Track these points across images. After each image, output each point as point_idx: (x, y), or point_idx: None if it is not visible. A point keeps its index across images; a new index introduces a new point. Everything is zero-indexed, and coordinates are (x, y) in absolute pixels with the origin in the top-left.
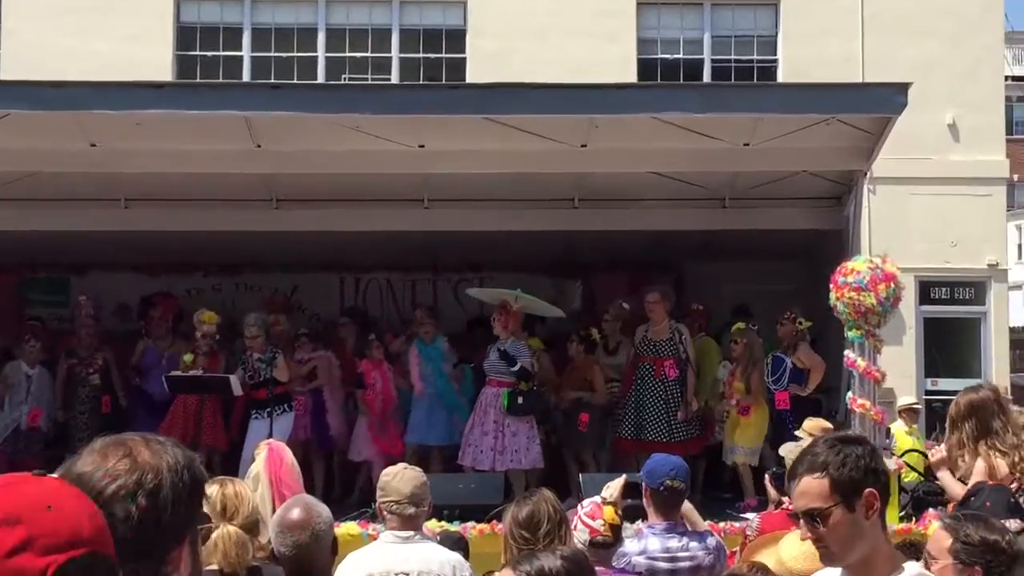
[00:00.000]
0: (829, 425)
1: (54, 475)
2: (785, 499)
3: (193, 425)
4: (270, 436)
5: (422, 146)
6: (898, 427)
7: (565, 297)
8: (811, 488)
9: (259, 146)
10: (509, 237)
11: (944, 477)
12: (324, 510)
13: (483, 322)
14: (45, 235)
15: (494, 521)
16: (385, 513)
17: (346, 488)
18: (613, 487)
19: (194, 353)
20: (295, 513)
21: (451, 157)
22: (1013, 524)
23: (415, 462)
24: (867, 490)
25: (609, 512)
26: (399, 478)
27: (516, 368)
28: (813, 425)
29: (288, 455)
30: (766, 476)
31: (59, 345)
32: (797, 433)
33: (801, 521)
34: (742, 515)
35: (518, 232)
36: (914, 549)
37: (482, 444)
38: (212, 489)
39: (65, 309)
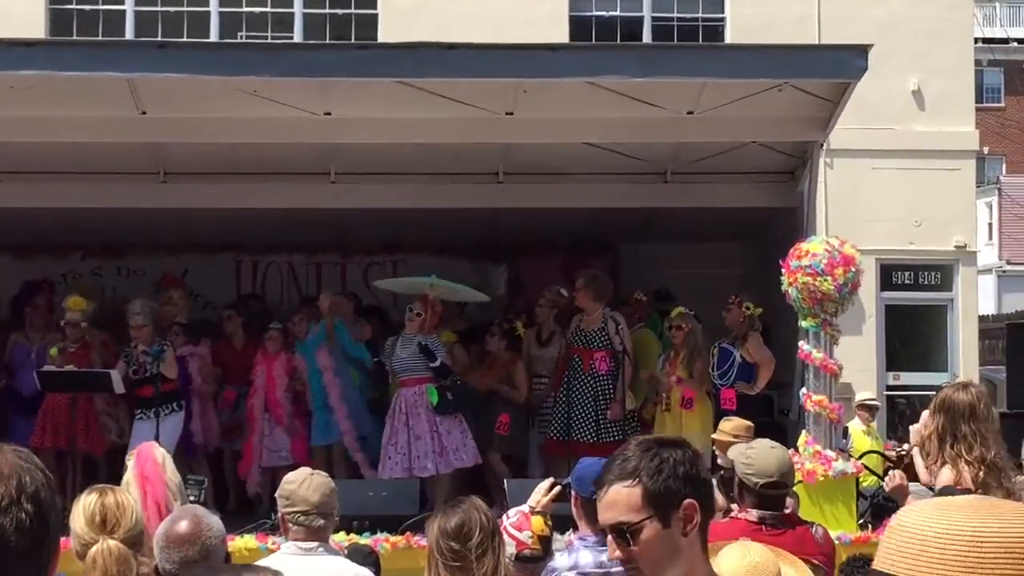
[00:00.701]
0: (748, 424)
1: None
2: (734, 506)
3: (66, 429)
4: (156, 439)
5: (328, 113)
6: (855, 426)
7: (489, 283)
8: (620, 498)
9: (144, 112)
10: (426, 216)
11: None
12: (215, 522)
13: (379, 312)
14: None
15: (408, 533)
16: (289, 524)
17: (246, 497)
18: (540, 494)
19: (61, 345)
20: (182, 525)
21: (361, 125)
22: None
23: (322, 466)
24: (686, 501)
25: (537, 523)
26: (305, 485)
27: (437, 364)
28: (733, 426)
29: (159, 458)
30: (713, 480)
31: None
32: (714, 436)
33: (608, 538)
34: None
35: (436, 210)
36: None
37: (417, 450)
38: (90, 499)
39: None
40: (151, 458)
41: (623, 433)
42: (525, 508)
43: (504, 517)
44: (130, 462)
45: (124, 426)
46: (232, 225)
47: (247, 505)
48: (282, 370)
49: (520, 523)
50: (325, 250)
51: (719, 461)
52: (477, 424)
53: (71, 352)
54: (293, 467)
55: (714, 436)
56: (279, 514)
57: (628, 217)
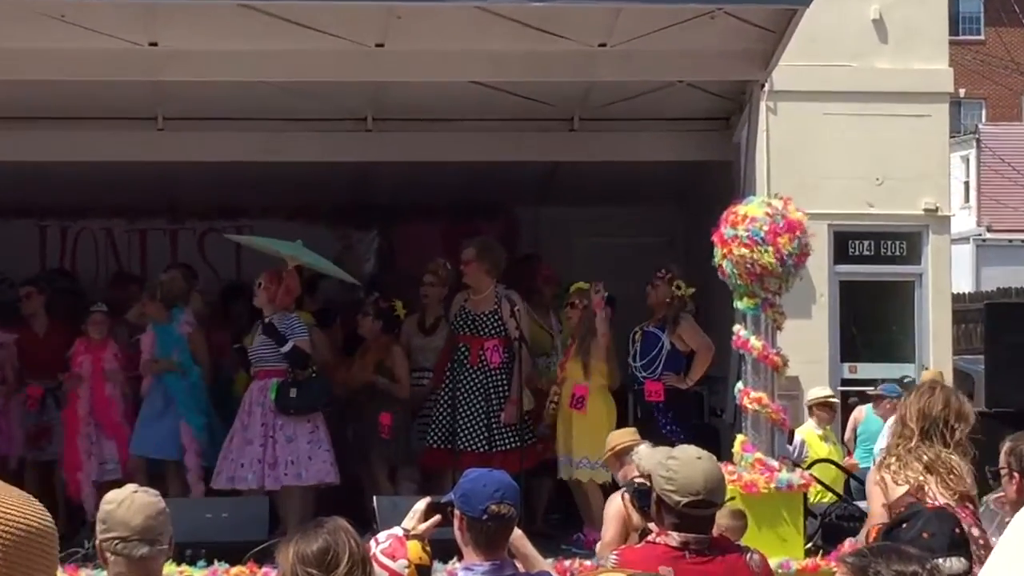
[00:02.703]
0: (699, 452)
1: None
2: (651, 525)
3: None
4: None
5: (154, 44)
6: (808, 429)
7: (354, 254)
8: None
9: None
10: (276, 171)
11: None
12: None
13: (244, 291)
14: None
15: (252, 563)
16: (107, 554)
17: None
18: (417, 515)
19: None
20: None
21: (194, 59)
22: (953, 564)
23: (144, 483)
24: None
25: (414, 549)
26: (126, 505)
27: (286, 349)
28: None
29: None
30: (622, 496)
31: None
32: (604, 460)
33: None
34: (589, 550)
35: (289, 164)
36: None
37: (243, 456)
38: None
39: None
40: None
41: (519, 440)
42: (399, 531)
43: (373, 543)
44: None
45: None
46: (34, 183)
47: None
48: (113, 362)
49: (393, 550)
50: (151, 214)
51: (616, 478)
52: (360, 427)
53: None
54: (123, 483)
55: (607, 455)
56: (94, 542)
57: (526, 173)
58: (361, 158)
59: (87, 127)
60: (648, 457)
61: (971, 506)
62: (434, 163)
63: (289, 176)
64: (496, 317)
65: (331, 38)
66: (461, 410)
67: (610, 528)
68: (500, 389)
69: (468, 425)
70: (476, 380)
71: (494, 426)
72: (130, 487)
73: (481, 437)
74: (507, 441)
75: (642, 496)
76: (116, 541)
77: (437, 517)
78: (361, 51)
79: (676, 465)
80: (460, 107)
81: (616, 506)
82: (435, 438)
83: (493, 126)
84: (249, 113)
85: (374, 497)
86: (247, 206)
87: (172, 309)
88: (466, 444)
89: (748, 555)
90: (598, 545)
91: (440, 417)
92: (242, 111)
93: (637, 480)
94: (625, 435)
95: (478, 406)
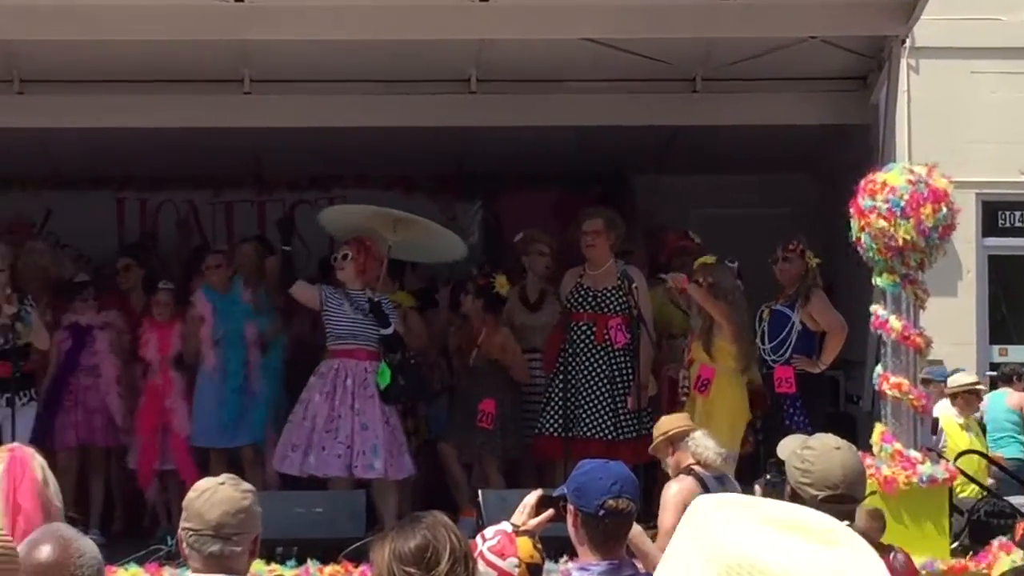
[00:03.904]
0: (837, 442)
1: None
2: None
3: None
4: (12, 436)
5: (240, 0)
6: (947, 416)
7: (458, 227)
8: None
9: None
10: (373, 137)
11: None
12: (87, 546)
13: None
14: None
15: (346, 562)
16: (184, 546)
17: (134, 513)
18: (527, 509)
19: None
20: (44, 551)
21: (284, 17)
22: None
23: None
24: None
25: (525, 546)
26: (205, 497)
27: (388, 331)
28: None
29: (37, 465)
30: (756, 488)
31: None
32: (654, 444)
33: None
34: None
35: (386, 129)
36: None
37: (364, 442)
38: None
39: None
40: (28, 474)
41: (638, 429)
42: (507, 527)
43: (479, 539)
44: None
45: None
46: (111, 152)
47: (136, 525)
48: (177, 344)
49: (502, 547)
50: (237, 184)
51: (670, 472)
52: (463, 415)
53: None
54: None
55: (657, 439)
56: (177, 534)
57: (643, 139)
58: (464, 123)
59: (167, 90)
60: (782, 450)
61: None
62: (542, 127)
63: (386, 143)
64: (620, 293)
65: None
66: (583, 394)
67: (670, 516)
68: (624, 372)
69: (591, 410)
70: (599, 361)
71: (621, 411)
72: (220, 478)
73: (606, 424)
74: (630, 429)
75: (771, 492)
76: (190, 533)
77: (549, 512)
78: (464, 6)
79: (812, 456)
80: (571, 67)
81: (676, 491)
82: (548, 425)
83: (606, 87)
84: (342, 75)
85: (479, 491)
86: (340, 176)
87: (232, 279)
88: (588, 431)
89: (892, 555)
90: (660, 533)
91: (554, 402)
92: (335, 73)
93: (768, 476)
94: (679, 420)
95: (603, 390)
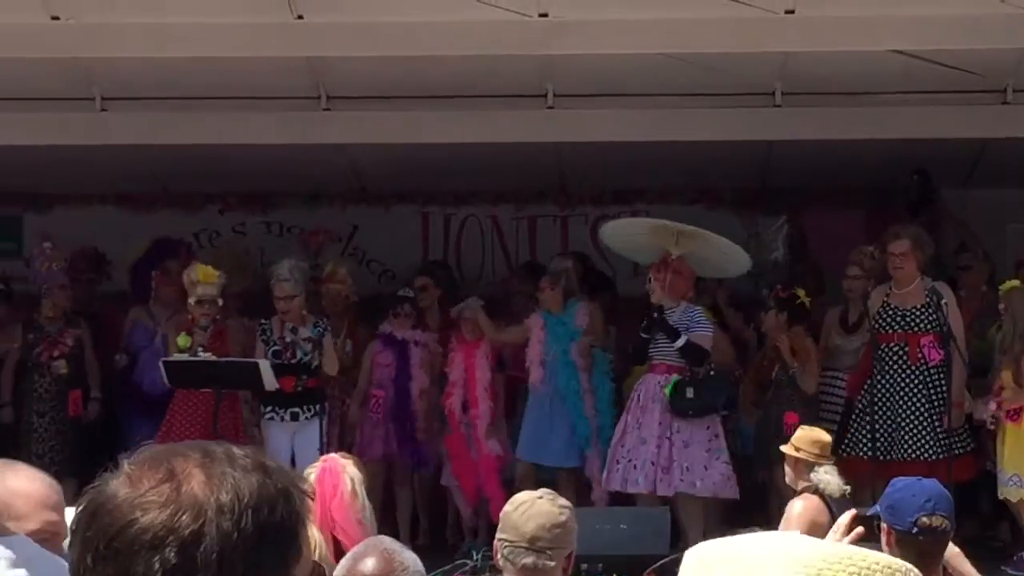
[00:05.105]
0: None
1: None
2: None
3: (205, 435)
4: (292, 452)
5: (544, 15)
6: None
7: (762, 244)
8: None
9: (300, 17)
10: (676, 152)
11: None
12: (410, 559)
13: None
14: None
15: None
16: (499, 557)
17: (437, 527)
18: (840, 528)
19: (189, 332)
20: (369, 565)
21: (589, 30)
22: None
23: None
24: None
25: None
26: (522, 511)
27: (680, 344)
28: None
29: (348, 478)
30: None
31: (12, 314)
32: (783, 449)
33: None
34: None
35: (689, 144)
36: None
37: (636, 456)
38: None
39: (17, 260)
40: (338, 487)
41: (949, 448)
42: None
43: None
44: (310, 476)
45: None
46: (416, 167)
47: (439, 539)
48: (484, 362)
49: None
50: (540, 199)
51: (787, 480)
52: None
53: (202, 337)
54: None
55: (788, 452)
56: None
57: (952, 152)
58: (769, 136)
59: (472, 106)
60: None
61: None
62: (848, 141)
63: (689, 157)
64: (929, 311)
65: (736, 5)
66: (898, 413)
67: (795, 532)
68: (940, 390)
69: (912, 431)
70: (915, 381)
71: (938, 429)
72: (538, 492)
73: (927, 444)
74: (941, 447)
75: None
76: (505, 544)
77: (859, 530)
78: (769, 18)
79: None
80: (877, 79)
81: (802, 509)
82: (860, 446)
83: (913, 99)
84: (646, 88)
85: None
86: (643, 190)
87: (568, 300)
88: (911, 453)
89: None
90: None
91: (862, 423)
92: (638, 86)
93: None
94: (816, 446)
95: (922, 409)
